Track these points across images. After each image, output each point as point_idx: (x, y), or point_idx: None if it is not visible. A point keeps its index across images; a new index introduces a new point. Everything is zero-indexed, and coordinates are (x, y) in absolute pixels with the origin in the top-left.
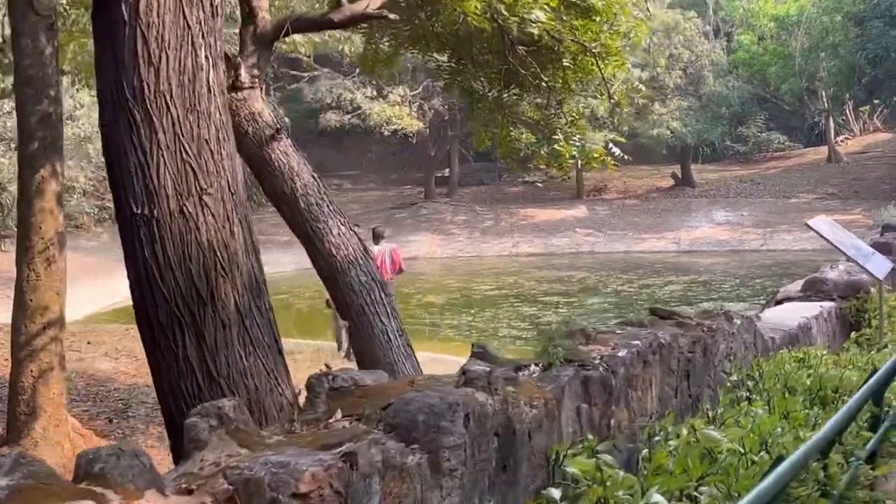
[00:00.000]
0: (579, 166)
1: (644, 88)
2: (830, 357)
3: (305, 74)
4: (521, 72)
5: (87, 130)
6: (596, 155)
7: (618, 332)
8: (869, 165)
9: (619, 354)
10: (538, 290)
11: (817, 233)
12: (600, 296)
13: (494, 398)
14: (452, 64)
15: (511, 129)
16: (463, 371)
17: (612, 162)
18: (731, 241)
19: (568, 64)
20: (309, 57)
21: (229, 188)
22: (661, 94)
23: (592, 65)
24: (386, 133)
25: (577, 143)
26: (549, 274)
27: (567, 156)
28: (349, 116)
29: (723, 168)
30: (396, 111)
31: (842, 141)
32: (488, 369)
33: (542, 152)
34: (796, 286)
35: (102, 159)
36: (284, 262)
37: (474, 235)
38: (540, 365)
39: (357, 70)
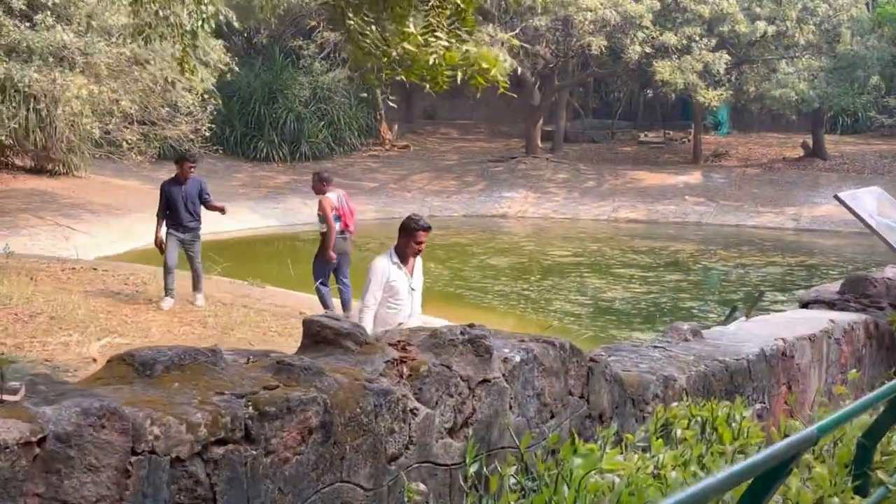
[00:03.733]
0: (458, 81)
1: None
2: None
3: None
4: None
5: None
6: (485, 66)
7: None
8: None
9: None
10: (619, 260)
11: (846, 206)
12: (685, 272)
13: None
14: None
15: (365, 30)
16: None
17: (503, 79)
18: (859, 223)
19: None
20: None
21: None
22: (790, 53)
23: None
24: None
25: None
26: (641, 243)
27: (444, 66)
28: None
29: (863, 141)
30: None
31: None
32: None
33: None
34: (835, 286)
35: (151, 83)
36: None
37: (573, 196)
38: None
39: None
